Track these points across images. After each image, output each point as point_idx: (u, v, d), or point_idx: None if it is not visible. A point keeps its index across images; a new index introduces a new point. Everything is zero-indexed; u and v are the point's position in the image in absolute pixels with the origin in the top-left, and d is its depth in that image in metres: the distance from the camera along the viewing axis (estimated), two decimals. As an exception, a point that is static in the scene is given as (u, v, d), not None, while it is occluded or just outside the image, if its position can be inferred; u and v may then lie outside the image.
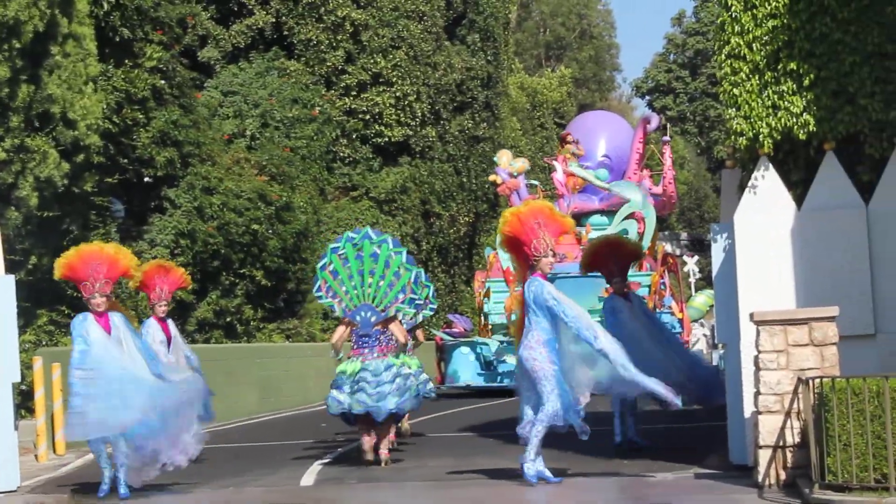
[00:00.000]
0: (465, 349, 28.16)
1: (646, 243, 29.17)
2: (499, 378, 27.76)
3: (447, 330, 29.74)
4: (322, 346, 30.70)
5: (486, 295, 30.17)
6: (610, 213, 30.71)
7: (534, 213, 12.88)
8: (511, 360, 27.31)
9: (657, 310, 30.18)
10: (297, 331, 30.15)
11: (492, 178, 31.93)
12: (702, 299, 34.71)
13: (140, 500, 13.21)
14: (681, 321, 32.29)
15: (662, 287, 32.10)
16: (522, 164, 31.62)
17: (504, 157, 31.38)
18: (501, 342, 28.28)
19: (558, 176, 30.82)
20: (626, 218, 29.80)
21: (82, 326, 13.02)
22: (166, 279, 15.95)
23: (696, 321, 35.44)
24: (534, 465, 12.52)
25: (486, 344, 28.18)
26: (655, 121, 32.59)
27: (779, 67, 12.77)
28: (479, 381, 27.96)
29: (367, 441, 14.95)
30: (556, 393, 12.33)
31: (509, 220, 12.91)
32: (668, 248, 55.62)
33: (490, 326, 29.82)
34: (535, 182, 33.86)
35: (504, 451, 15.45)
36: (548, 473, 12.54)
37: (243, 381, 24.34)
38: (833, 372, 11.23)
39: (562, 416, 12.36)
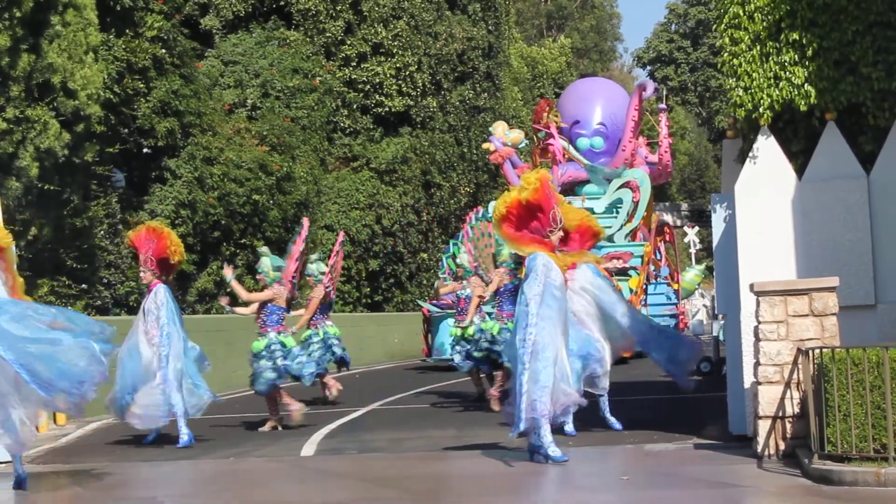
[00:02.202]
0: (451, 321, 27.76)
1: (640, 213, 29.08)
2: None
3: (434, 302, 29.51)
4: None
5: None
6: (607, 180, 30.44)
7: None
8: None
9: (651, 280, 30.09)
10: (297, 301, 30.16)
11: (485, 145, 31.61)
12: (690, 276, 34.50)
13: (142, 471, 13.24)
14: (676, 292, 32.19)
15: (658, 257, 31.96)
16: (518, 135, 31.39)
17: (500, 128, 31.07)
18: (490, 314, 27.86)
19: (557, 144, 30.56)
20: (621, 187, 29.67)
21: None
22: (151, 245, 15.43)
23: (684, 298, 35.22)
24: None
25: None
26: (651, 88, 32.13)
27: (780, 37, 12.72)
28: None
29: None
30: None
31: (535, 185, 12.32)
32: (669, 218, 55.66)
33: None
34: (526, 142, 33.28)
35: (506, 423, 15.49)
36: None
37: (244, 352, 24.26)
38: (833, 342, 11.24)
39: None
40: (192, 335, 15.87)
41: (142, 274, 15.51)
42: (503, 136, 30.64)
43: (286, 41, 34.54)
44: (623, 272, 27.36)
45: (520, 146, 31.53)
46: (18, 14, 19.27)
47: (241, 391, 23.33)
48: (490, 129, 32.21)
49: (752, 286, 11.77)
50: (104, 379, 12.12)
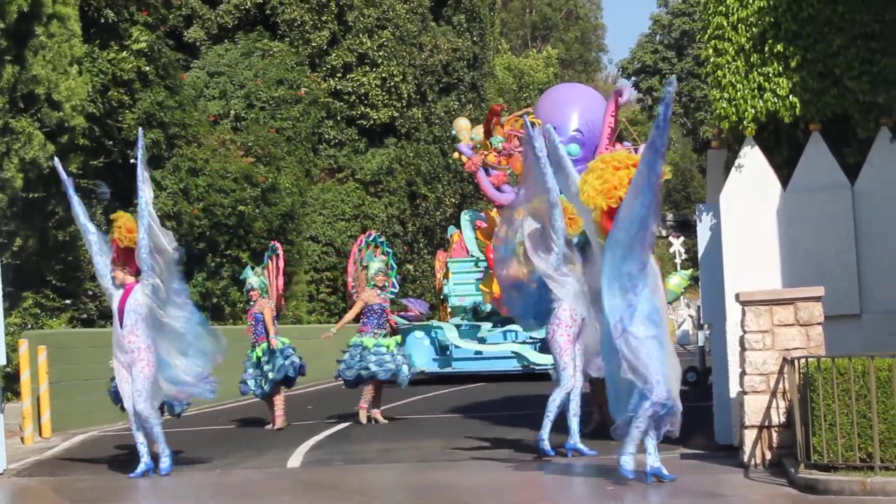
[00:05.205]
0: (419, 333, 27.23)
1: None
2: (453, 363, 26.96)
3: (402, 314, 29.17)
4: (308, 328, 30.69)
5: (446, 276, 29.30)
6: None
7: None
8: (467, 346, 26.69)
9: None
10: (283, 313, 30.12)
11: (455, 155, 29.21)
12: (675, 280, 34.33)
13: (127, 484, 13.19)
14: None
15: None
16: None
17: (463, 131, 28.10)
18: (459, 326, 27.58)
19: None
20: None
21: None
22: (114, 238, 13.52)
23: (670, 303, 35.04)
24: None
25: (441, 328, 27.48)
26: (627, 93, 31.20)
27: (765, 49, 12.77)
28: (434, 367, 26.94)
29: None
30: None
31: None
32: (654, 229, 55.50)
33: (450, 309, 28.92)
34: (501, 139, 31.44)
35: (494, 432, 15.49)
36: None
37: (230, 364, 24.18)
38: (818, 352, 11.26)
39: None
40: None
41: (115, 272, 13.43)
42: (470, 140, 28.51)
43: (271, 52, 34.53)
44: None
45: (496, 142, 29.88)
46: (2, 25, 19.23)
47: (227, 403, 23.30)
48: (453, 132, 29.46)
49: (737, 296, 11.79)
50: None
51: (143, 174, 13.34)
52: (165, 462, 13.45)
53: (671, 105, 10.78)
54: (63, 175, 14.02)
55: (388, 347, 17.73)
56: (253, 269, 18.47)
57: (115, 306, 13.42)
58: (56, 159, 14.55)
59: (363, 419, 17.60)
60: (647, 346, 10.89)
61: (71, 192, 13.88)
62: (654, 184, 10.78)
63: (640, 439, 11.09)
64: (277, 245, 18.69)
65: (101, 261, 13.61)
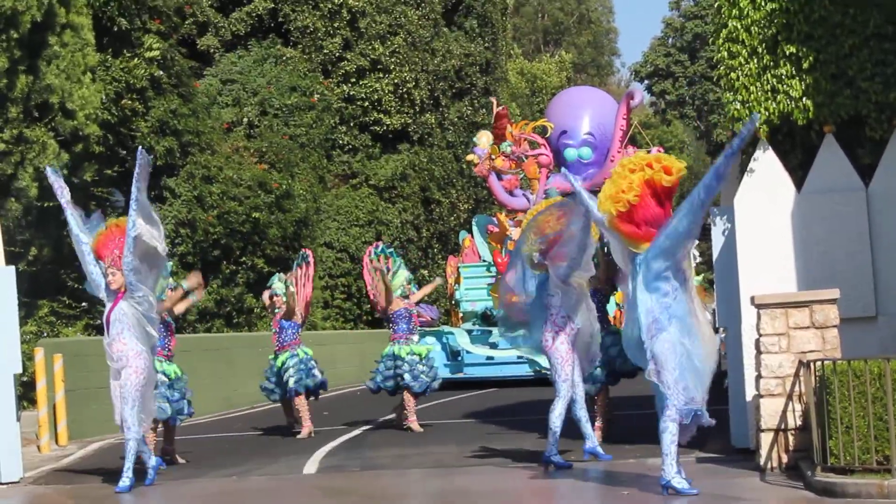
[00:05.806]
0: (430, 339, 27.26)
1: None
2: (465, 369, 27.03)
3: None
4: (323, 334, 30.71)
5: (457, 281, 29.25)
6: (593, 192, 29.66)
7: None
8: (478, 351, 26.65)
9: None
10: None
11: (469, 157, 29.94)
12: None
13: (143, 491, 13.20)
14: None
15: None
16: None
17: (484, 138, 29.20)
18: (470, 331, 27.54)
19: (549, 152, 29.69)
20: None
21: None
22: (120, 243, 13.00)
23: None
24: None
25: (452, 333, 27.41)
26: (639, 95, 30.94)
27: (777, 51, 12.75)
28: (446, 373, 26.47)
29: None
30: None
31: (682, 171, 10.99)
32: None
33: (461, 314, 28.93)
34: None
35: (508, 438, 15.48)
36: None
37: (244, 371, 24.34)
38: (834, 354, 11.23)
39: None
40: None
41: (111, 278, 12.92)
42: (488, 147, 29.17)
43: (284, 59, 34.59)
44: None
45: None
46: (16, 35, 19.32)
47: (242, 409, 23.34)
48: (474, 139, 30.20)
49: (752, 299, 11.77)
50: None
51: (136, 195, 13.00)
52: (125, 481, 12.78)
53: (745, 140, 10.78)
54: (55, 185, 13.67)
55: (420, 356, 17.57)
56: (280, 276, 18.21)
57: (104, 315, 13.17)
58: (49, 168, 14.17)
59: (417, 428, 17.29)
60: (677, 351, 10.79)
61: (64, 203, 13.69)
62: (706, 203, 10.84)
63: (676, 451, 10.80)
64: (308, 252, 18.53)
65: (97, 271, 13.20)
